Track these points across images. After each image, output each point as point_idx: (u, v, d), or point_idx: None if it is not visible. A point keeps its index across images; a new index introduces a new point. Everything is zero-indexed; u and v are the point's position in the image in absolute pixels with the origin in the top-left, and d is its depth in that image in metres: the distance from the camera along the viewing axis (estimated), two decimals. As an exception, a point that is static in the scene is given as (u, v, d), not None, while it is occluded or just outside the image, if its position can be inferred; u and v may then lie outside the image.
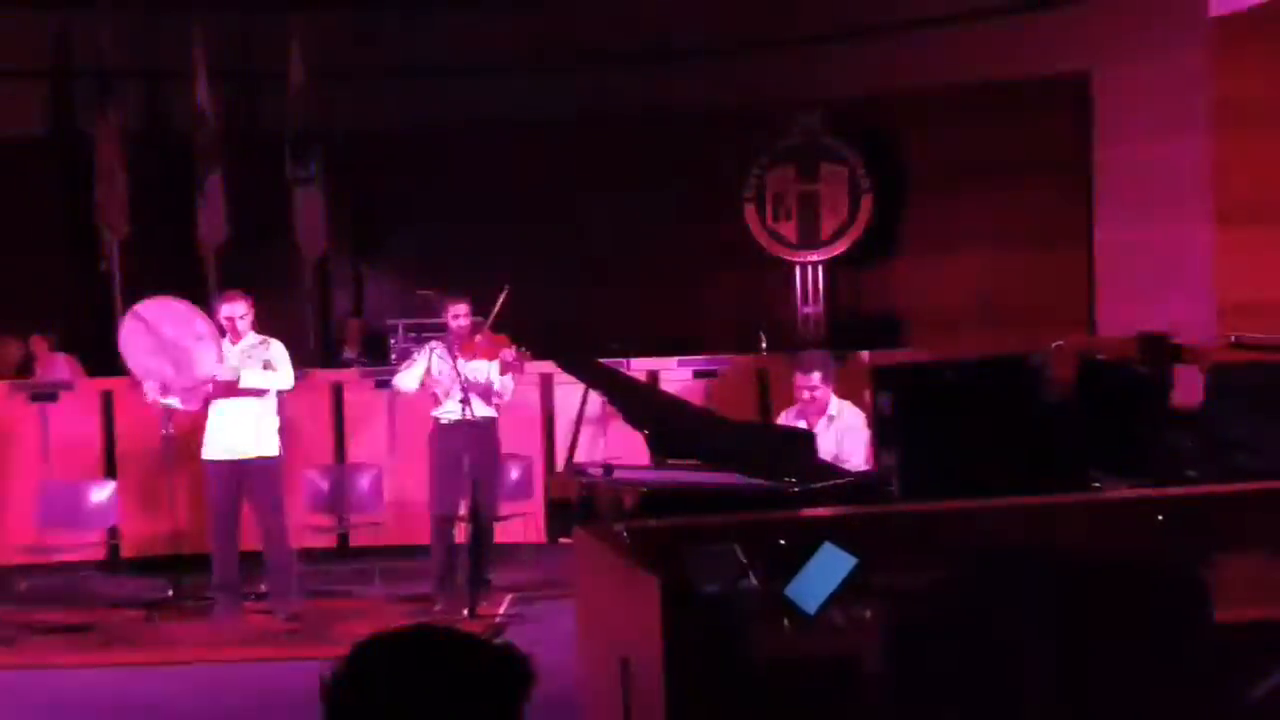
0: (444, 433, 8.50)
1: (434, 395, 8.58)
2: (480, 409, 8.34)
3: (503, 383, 8.49)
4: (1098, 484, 4.51)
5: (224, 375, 8.18)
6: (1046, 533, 4.20)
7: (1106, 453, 4.65)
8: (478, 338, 8.30)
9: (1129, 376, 5.42)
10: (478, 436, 8.32)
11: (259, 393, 8.28)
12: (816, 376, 7.27)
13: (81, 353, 11.58)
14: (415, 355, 8.70)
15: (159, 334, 8.21)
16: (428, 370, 8.48)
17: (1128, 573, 4.12)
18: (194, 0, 12.35)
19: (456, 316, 8.42)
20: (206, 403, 8.28)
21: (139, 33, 12.77)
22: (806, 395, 7.28)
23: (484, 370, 8.41)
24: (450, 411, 8.44)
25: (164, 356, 8.22)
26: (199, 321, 8.29)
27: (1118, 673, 4.04)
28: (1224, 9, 9.73)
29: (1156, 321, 8.27)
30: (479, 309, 8.53)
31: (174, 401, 8.36)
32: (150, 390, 8.32)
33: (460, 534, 8.58)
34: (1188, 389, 6.02)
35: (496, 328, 8.40)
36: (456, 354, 8.28)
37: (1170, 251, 10.81)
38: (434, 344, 8.61)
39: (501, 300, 8.30)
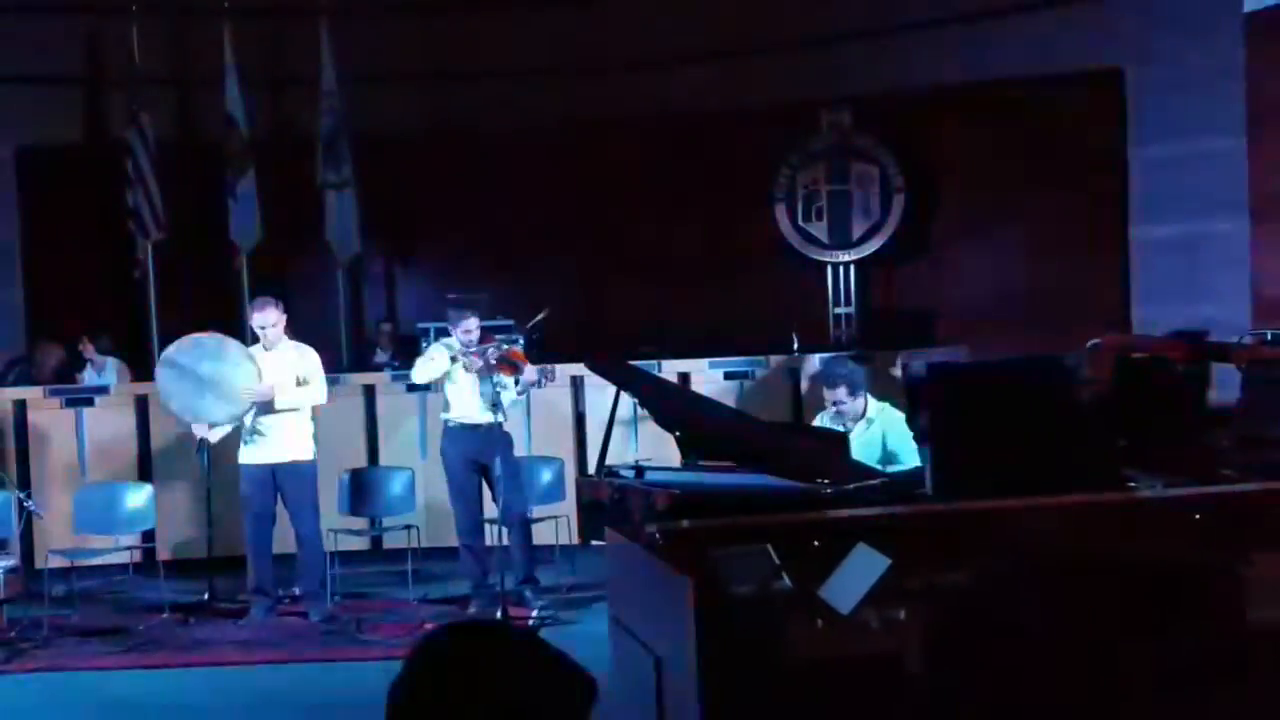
0: (455, 436, 8.53)
1: (445, 399, 8.57)
2: (484, 414, 8.33)
3: (510, 395, 8.44)
4: (1134, 483, 4.46)
5: (261, 394, 8.24)
6: (1082, 532, 4.16)
7: (1143, 452, 4.61)
8: (490, 350, 8.25)
9: (1166, 375, 5.36)
10: (488, 437, 8.32)
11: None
12: (841, 392, 7.21)
13: (118, 356, 11.66)
14: (433, 353, 8.61)
15: (196, 373, 8.31)
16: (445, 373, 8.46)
17: (1164, 572, 4.08)
18: (225, 5, 12.42)
19: (468, 331, 8.38)
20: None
21: (170, 38, 12.84)
22: (833, 410, 7.25)
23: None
24: (461, 415, 8.46)
25: (207, 392, 8.31)
26: (231, 348, 8.39)
27: (1153, 672, 4.01)
28: (1259, 4, 9.65)
29: (1193, 319, 8.20)
30: (512, 315, 8.48)
31: (225, 429, 8.49)
32: (198, 430, 8.50)
33: (493, 535, 8.58)
34: (1225, 387, 5.97)
35: (529, 341, 8.34)
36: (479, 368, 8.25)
37: (1206, 248, 10.73)
38: (450, 346, 8.56)
39: (540, 318, 8.24)
